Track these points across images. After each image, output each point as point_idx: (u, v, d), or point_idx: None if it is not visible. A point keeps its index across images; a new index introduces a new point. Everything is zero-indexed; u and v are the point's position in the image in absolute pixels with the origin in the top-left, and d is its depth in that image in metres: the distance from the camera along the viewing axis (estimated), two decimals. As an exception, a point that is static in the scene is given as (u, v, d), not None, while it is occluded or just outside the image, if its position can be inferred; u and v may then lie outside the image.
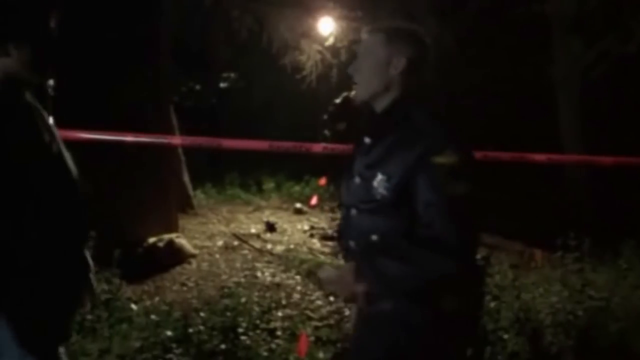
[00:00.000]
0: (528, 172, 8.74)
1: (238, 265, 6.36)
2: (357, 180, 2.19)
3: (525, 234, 7.36)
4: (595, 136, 9.80)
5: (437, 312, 2.04)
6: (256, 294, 5.22)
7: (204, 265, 6.32)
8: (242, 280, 5.79)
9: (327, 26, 9.68)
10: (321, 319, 4.91)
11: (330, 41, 9.85)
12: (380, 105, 2.20)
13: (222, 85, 18.67)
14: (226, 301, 4.72)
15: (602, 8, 9.23)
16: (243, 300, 4.78)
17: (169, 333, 4.12)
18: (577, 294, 4.73)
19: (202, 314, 4.50)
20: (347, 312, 4.71)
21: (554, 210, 9.07)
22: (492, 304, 4.65)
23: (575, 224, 5.92)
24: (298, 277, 5.88)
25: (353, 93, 2.26)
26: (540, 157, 5.90)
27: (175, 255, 6.22)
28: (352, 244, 2.21)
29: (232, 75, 18.54)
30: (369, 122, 2.25)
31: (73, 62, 3.92)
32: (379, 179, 2.08)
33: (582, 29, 9.59)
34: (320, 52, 10.16)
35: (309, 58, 10.23)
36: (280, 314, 4.88)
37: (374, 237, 2.09)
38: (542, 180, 9.67)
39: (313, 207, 8.88)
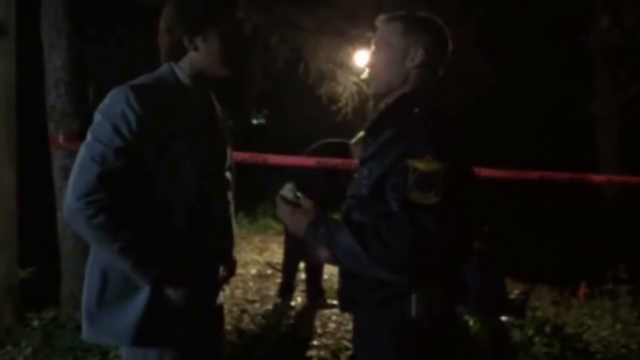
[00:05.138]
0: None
1: (272, 293, 6.26)
2: (356, 175, 2.05)
3: (567, 266, 7.10)
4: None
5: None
6: (291, 322, 5.09)
7: (238, 292, 6.23)
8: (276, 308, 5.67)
9: (364, 57, 9.54)
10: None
11: (367, 72, 9.74)
12: (389, 100, 2.05)
13: (255, 121, 18.71)
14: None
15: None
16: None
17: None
18: (631, 327, 4.51)
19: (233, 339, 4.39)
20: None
21: (595, 241, 8.77)
22: (537, 338, 4.49)
23: (624, 254, 5.70)
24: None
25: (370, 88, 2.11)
26: (599, 178, 5.65)
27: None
28: None
29: (265, 111, 18.59)
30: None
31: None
32: (364, 175, 1.95)
33: (626, 61, 9.42)
34: (356, 83, 10.07)
35: (345, 89, 10.17)
36: (316, 342, 4.75)
37: None
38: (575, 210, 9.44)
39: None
